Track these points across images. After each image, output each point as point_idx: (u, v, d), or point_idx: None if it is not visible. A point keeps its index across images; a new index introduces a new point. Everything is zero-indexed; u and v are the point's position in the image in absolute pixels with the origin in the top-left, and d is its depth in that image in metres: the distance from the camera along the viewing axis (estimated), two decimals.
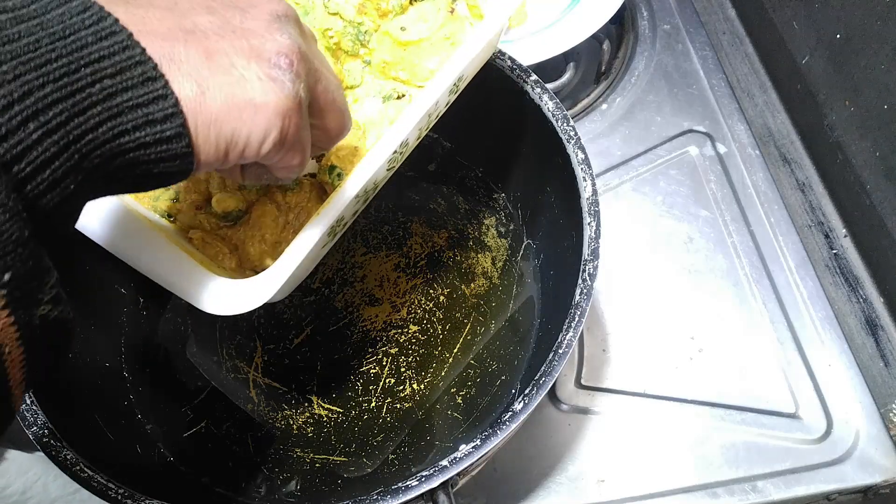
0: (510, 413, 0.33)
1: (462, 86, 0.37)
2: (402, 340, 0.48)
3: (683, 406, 0.50)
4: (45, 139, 0.19)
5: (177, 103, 0.22)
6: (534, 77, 0.42)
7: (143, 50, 0.21)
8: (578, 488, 0.47)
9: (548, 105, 0.41)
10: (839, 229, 0.58)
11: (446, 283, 0.50)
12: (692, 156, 0.60)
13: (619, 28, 0.68)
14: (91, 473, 0.33)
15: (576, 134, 0.40)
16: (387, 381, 0.47)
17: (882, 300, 0.55)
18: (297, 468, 0.44)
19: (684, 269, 0.55)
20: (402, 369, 0.47)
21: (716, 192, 0.58)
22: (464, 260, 0.51)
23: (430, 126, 0.38)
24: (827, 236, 0.58)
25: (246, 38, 0.24)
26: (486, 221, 0.52)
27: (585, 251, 0.37)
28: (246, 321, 0.49)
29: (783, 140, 0.63)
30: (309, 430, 0.45)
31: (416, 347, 0.48)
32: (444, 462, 0.32)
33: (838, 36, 0.56)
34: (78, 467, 0.33)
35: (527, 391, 0.33)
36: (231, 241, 0.37)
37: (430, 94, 0.34)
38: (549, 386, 0.34)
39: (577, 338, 0.35)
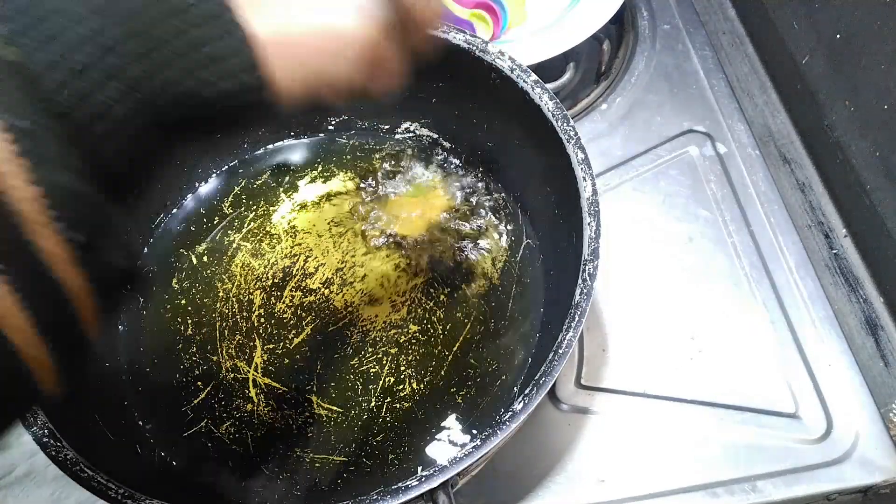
0: (510, 413, 0.33)
1: None
2: (402, 340, 0.48)
3: (683, 406, 0.50)
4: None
5: (255, 50, 0.21)
6: (534, 77, 0.42)
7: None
8: (578, 488, 0.47)
9: (548, 105, 0.41)
10: (839, 229, 0.58)
11: (446, 282, 0.50)
12: (692, 156, 0.60)
13: (619, 28, 0.68)
14: (91, 473, 0.33)
15: (576, 134, 0.40)
16: (387, 380, 0.47)
17: (882, 300, 0.55)
18: (297, 468, 0.44)
19: (684, 269, 0.55)
20: (402, 369, 0.47)
21: (716, 192, 0.58)
22: (464, 260, 0.51)
23: None
24: (827, 236, 0.58)
25: None
26: (486, 221, 0.52)
27: (585, 251, 0.37)
28: (246, 321, 0.49)
29: (783, 140, 0.63)
30: (309, 430, 0.45)
31: (416, 347, 0.48)
32: (444, 462, 0.32)
33: (838, 36, 0.56)
34: (78, 467, 0.33)
35: (527, 391, 0.33)
36: None
37: None
38: (549, 386, 0.34)
39: (577, 338, 0.35)
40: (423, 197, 0.53)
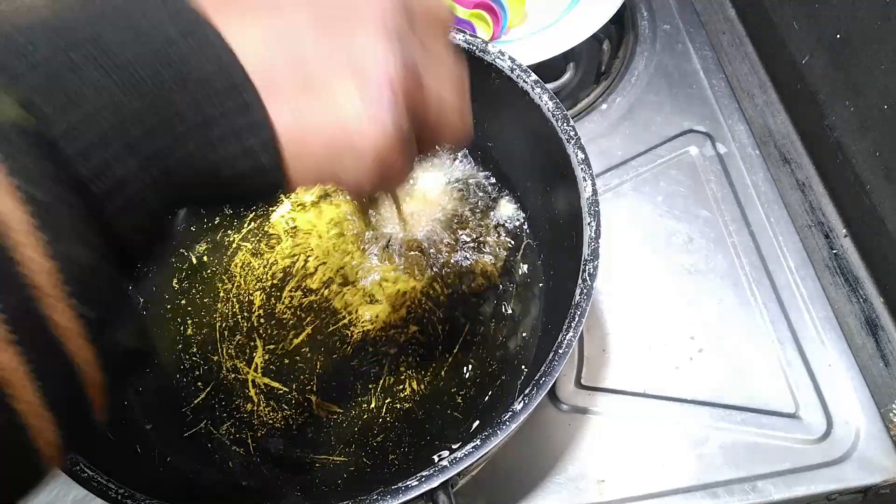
0: (510, 413, 0.33)
1: None
2: (402, 340, 0.48)
3: (683, 406, 0.50)
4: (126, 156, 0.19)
5: (272, 133, 0.21)
6: (534, 77, 0.42)
7: (245, 74, 0.21)
8: (578, 488, 0.47)
9: (548, 105, 0.41)
10: (839, 229, 0.58)
11: (446, 282, 0.50)
12: (692, 156, 0.60)
13: (619, 28, 0.68)
14: (91, 473, 0.33)
15: (576, 134, 0.40)
16: (387, 380, 0.47)
17: (882, 300, 0.55)
18: (297, 468, 0.44)
19: (684, 269, 0.55)
20: (402, 369, 0.47)
21: (716, 192, 0.58)
22: (464, 260, 0.51)
23: None
24: (827, 236, 0.58)
25: (347, 54, 0.22)
26: (486, 221, 0.52)
27: (585, 251, 0.37)
28: (246, 321, 0.49)
29: (783, 140, 0.63)
30: (309, 430, 0.45)
31: (416, 347, 0.48)
32: (444, 462, 0.32)
33: (838, 36, 0.56)
34: (78, 467, 0.33)
35: (527, 391, 0.33)
36: None
37: None
38: (549, 386, 0.34)
39: (577, 338, 0.35)
40: (422, 197, 0.53)
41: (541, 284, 0.49)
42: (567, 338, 0.35)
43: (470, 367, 0.47)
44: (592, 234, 0.37)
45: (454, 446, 0.44)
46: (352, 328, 0.48)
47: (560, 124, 0.40)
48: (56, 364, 0.18)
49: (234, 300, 0.50)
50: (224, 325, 0.49)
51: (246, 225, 0.53)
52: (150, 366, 0.42)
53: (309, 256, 0.51)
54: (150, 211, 0.21)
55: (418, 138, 0.25)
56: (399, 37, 0.23)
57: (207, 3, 0.20)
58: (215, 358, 0.48)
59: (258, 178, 0.22)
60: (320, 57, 0.22)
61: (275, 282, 0.50)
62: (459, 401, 0.46)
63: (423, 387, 0.46)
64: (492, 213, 0.52)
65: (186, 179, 0.21)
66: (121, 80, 0.19)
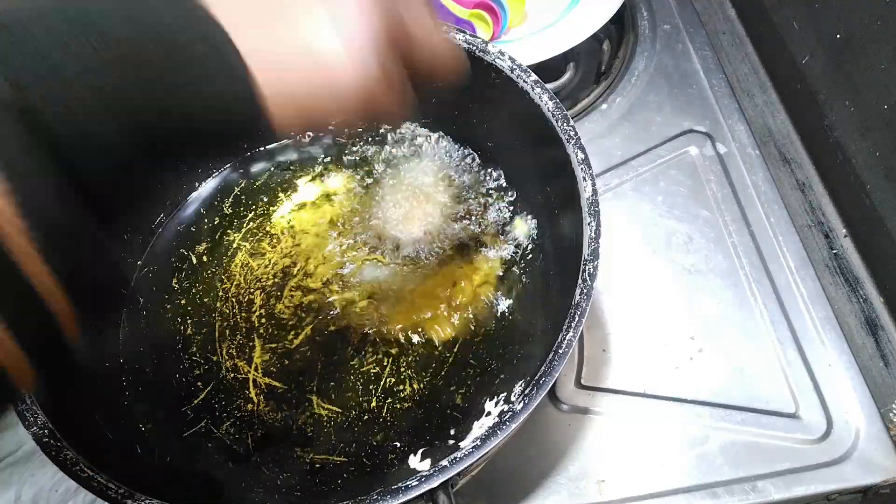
0: (510, 413, 0.33)
1: None
2: (402, 340, 0.48)
3: (683, 406, 0.50)
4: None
5: (241, 61, 0.21)
6: (534, 77, 0.42)
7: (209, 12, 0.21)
8: (578, 488, 0.47)
9: (548, 105, 0.41)
10: (839, 229, 0.58)
11: (447, 282, 0.50)
12: (692, 156, 0.60)
13: (619, 28, 0.68)
14: (91, 473, 0.33)
15: (576, 134, 0.40)
16: (387, 380, 0.47)
17: (882, 300, 0.55)
18: (297, 468, 0.44)
19: (684, 269, 0.55)
20: (402, 369, 0.47)
21: (716, 192, 0.58)
22: (463, 259, 0.51)
23: None
24: (827, 236, 0.58)
25: None
26: (486, 221, 0.52)
27: (585, 251, 0.37)
28: (246, 321, 0.49)
29: (783, 140, 0.63)
30: (309, 430, 0.45)
31: (416, 347, 0.48)
32: (444, 462, 0.32)
33: (838, 36, 0.56)
34: (78, 467, 0.33)
35: (527, 391, 0.33)
36: None
37: None
38: (549, 386, 0.34)
39: (577, 338, 0.35)
40: (422, 197, 0.53)
41: (541, 284, 0.49)
42: (567, 338, 0.35)
43: (470, 366, 0.47)
44: (592, 234, 0.37)
45: (454, 446, 0.44)
46: (352, 328, 0.48)
47: (560, 124, 0.40)
48: (29, 308, 0.19)
49: (234, 300, 0.50)
50: (224, 324, 0.49)
51: (246, 225, 0.53)
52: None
53: (309, 256, 0.51)
54: (126, 164, 0.21)
55: (411, 77, 0.24)
56: None
57: None
58: (215, 358, 0.48)
59: (234, 116, 0.22)
60: None
61: (275, 281, 0.50)
62: (459, 401, 0.46)
63: (422, 387, 0.46)
64: (491, 213, 0.52)
65: (155, 121, 0.21)
66: (97, 40, 0.19)
